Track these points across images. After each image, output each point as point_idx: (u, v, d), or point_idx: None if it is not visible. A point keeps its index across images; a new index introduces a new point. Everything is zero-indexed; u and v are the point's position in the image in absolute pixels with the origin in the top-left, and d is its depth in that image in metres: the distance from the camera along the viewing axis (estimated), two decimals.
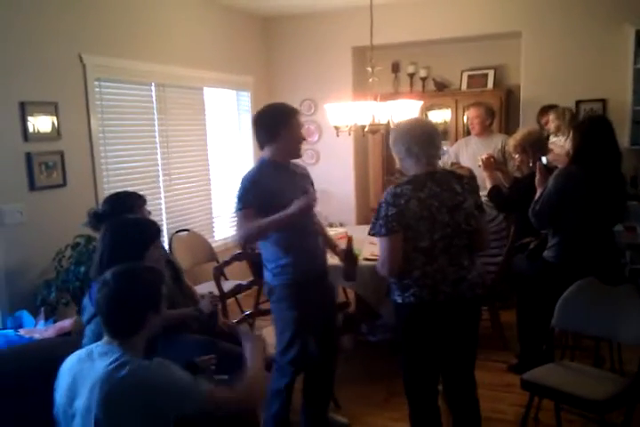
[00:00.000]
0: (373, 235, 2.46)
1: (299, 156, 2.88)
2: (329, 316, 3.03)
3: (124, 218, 2.50)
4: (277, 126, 2.72)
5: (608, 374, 2.92)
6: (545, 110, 4.91)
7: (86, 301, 2.39)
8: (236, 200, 2.74)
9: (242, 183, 2.77)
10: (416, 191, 2.40)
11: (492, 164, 3.89)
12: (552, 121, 4.65)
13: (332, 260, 3.65)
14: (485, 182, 3.82)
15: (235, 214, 2.82)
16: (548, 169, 3.42)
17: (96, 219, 2.70)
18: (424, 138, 2.48)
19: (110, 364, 1.72)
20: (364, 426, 3.19)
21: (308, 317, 2.79)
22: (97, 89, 3.98)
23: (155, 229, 2.41)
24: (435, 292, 2.43)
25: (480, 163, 3.90)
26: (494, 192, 3.76)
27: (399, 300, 2.48)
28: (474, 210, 2.50)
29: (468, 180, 2.57)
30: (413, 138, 2.47)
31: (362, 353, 4.07)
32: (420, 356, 2.55)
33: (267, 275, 2.84)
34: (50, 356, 2.17)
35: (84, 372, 1.77)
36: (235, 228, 2.96)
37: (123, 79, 4.24)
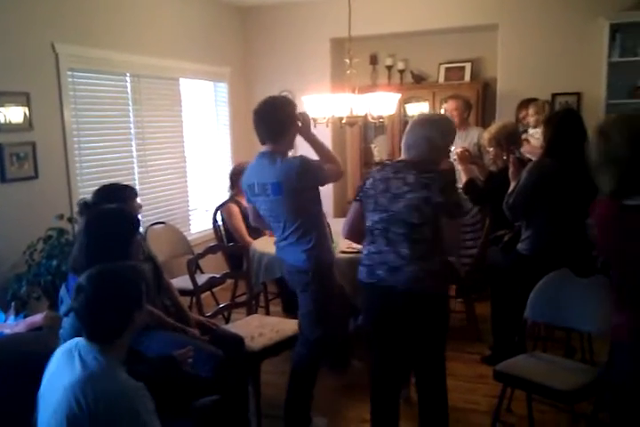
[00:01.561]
0: None
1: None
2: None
3: (108, 208, 2.46)
4: (292, 120, 2.94)
5: (579, 364, 2.96)
6: (524, 104, 4.93)
7: (63, 292, 2.37)
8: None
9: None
10: (375, 172, 2.65)
11: (467, 157, 3.91)
12: (531, 115, 4.67)
13: None
14: (461, 175, 3.84)
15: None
16: (521, 162, 3.44)
17: (86, 209, 2.65)
18: (421, 135, 2.59)
19: (89, 370, 1.67)
20: (340, 420, 3.21)
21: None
22: (70, 79, 3.92)
23: (136, 220, 2.39)
24: (371, 273, 2.57)
25: (455, 156, 3.91)
26: (469, 185, 3.78)
27: None
28: (421, 204, 2.46)
29: (436, 177, 2.49)
30: (412, 133, 2.62)
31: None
32: (371, 333, 2.70)
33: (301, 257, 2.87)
34: (21, 350, 2.16)
35: (63, 367, 1.74)
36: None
37: (97, 69, 4.18)
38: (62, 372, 1.72)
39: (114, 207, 2.49)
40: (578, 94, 5.24)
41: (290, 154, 3.06)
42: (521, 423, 3.01)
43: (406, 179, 2.52)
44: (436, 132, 2.61)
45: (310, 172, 2.82)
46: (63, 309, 2.33)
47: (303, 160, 2.85)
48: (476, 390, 3.46)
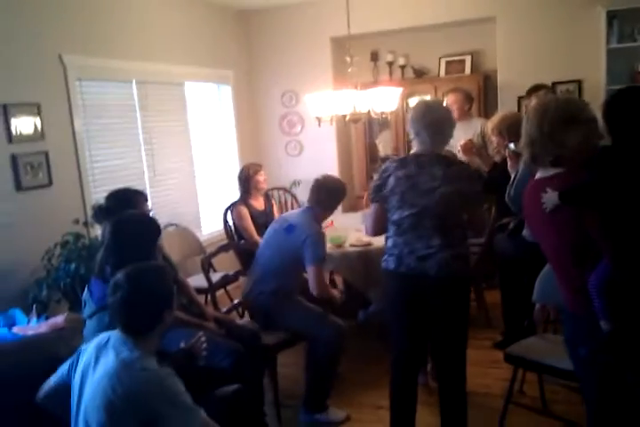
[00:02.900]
0: (370, 201, 2.80)
1: None
2: None
3: (131, 214, 2.56)
4: None
5: None
6: (531, 92, 4.87)
7: (86, 296, 2.45)
8: None
9: None
10: (397, 169, 2.64)
11: (471, 149, 3.97)
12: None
13: None
14: None
15: None
16: (517, 154, 3.48)
17: (100, 213, 2.76)
18: (432, 125, 2.64)
19: (124, 359, 1.78)
20: (357, 407, 3.29)
21: None
22: (78, 89, 4.02)
23: (158, 225, 2.49)
24: (399, 262, 2.63)
25: (459, 148, 3.97)
26: None
27: (381, 264, 2.76)
28: (452, 196, 2.57)
29: (460, 168, 2.66)
30: (423, 124, 2.65)
31: (353, 337, 4.17)
32: (396, 320, 2.76)
33: None
34: (46, 350, 2.25)
35: (97, 360, 1.84)
36: None
37: (103, 78, 4.29)
38: (97, 364, 1.83)
39: (137, 213, 2.60)
40: (578, 82, 5.28)
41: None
42: (534, 404, 3.08)
43: (434, 173, 2.59)
44: (449, 124, 2.71)
45: None
46: (86, 311, 2.42)
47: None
48: (488, 374, 3.53)
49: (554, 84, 5.28)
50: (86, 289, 2.50)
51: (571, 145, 2.00)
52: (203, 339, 2.32)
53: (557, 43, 5.29)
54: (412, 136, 2.74)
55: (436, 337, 2.75)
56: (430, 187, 2.58)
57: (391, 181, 2.63)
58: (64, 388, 1.94)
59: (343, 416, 3.18)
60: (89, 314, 2.38)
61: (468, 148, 3.91)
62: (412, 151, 2.80)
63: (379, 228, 2.78)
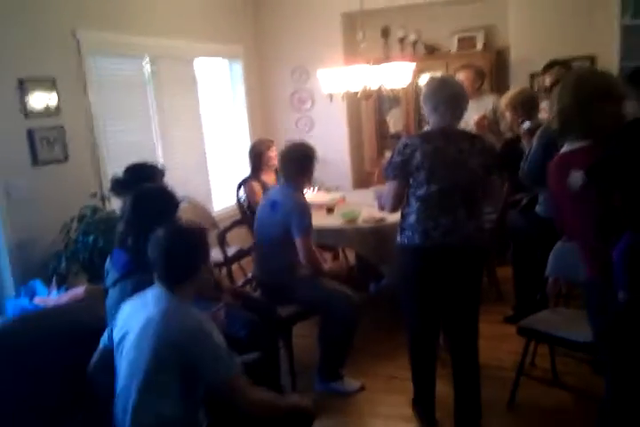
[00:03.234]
0: (386, 178, 2.77)
1: None
2: None
3: (151, 187, 2.61)
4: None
5: None
6: (547, 68, 4.76)
7: (109, 265, 2.50)
8: None
9: None
10: (423, 144, 2.60)
11: (485, 124, 3.98)
12: (549, 83, 4.58)
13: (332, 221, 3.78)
14: None
15: None
16: (532, 132, 3.49)
17: (118, 186, 2.79)
18: (451, 99, 2.65)
19: (164, 309, 1.88)
20: (371, 377, 3.35)
21: None
22: (92, 64, 4.02)
23: (176, 198, 2.54)
24: (424, 237, 2.62)
25: (473, 124, 3.97)
26: None
27: (397, 240, 2.75)
28: (478, 169, 2.63)
29: (481, 141, 2.71)
30: (441, 98, 2.64)
31: (366, 310, 4.23)
32: (414, 296, 2.77)
33: None
34: (70, 319, 2.31)
35: (138, 313, 1.93)
36: None
37: (116, 53, 4.29)
38: (137, 317, 1.92)
39: (157, 187, 2.65)
40: (592, 58, 5.24)
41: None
42: (545, 376, 3.13)
43: (462, 147, 2.62)
44: (466, 99, 2.72)
45: None
46: (109, 280, 2.47)
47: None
48: (499, 348, 3.58)
49: (566, 60, 5.24)
50: (108, 259, 2.54)
51: (601, 119, 2.00)
52: (223, 310, 2.38)
53: (571, 18, 5.23)
54: (427, 112, 2.72)
55: (452, 309, 2.78)
56: (459, 160, 2.60)
57: (417, 156, 2.59)
58: (109, 353, 2.03)
59: (358, 386, 3.24)
60: (112, 282, 2.43)
61: (482, 124, 3.93)
62: (429, 127, 2.79)
63: (398, 204, 2.76)
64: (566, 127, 2.08)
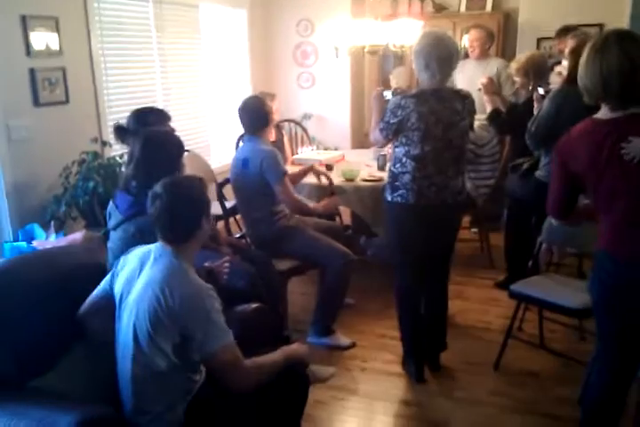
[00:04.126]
0: (381, 138, 2.84)
1: None
2: None
3: (161, 130, 2.59)
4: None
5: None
6: (563, 32, 4.52)
7: (111, 208, 2.50)
8: None
9: None
10: (418, 105, 2.65)
11: (492, 87, 3.93)
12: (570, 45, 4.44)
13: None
14: (485, 106, 3.88)
15: None
16: (544, 98, 3.46)
17: (122, 132, 2.76)
18: (444, 57, 2.66)
19: (167, 266, 1.86)
20: (361, 335, 3.42)
21: None
22: (95, 4, 3.92)
23: (182, 142, 2.52)
24: (419, 196, 2.73)
25: (480, 86, 3.93)
26: (495, 115, 3.83)
27: (389, 198, 2.84)
28: (467, 128, 2.79)
29: (472, 102, 2.80)
30: (435, 55, 2.65)
31: (356, 270, 4.29)
32: (406, 248, 2.88)
33: None
34: (72, 262, 2.30)
35: (139, 270, 1.92)
36: None
37: None
38: (140, 274, 1.90)
39: (165, 130, 2.62)
40: (600, 26, 5.17)
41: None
42: (532, 340, 3.21)
43: (455, 107, 2.70)
44: (457, 58, 2.74)
45: None
46: (112, 223, 2.47)
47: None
48: (488, 311, 3.66)
49: (576, 26, 5.17)
50: (111, 202, 2.54)
51: None
52: (227, 262, 2.40)
53: None
54: (417, 68, 2.73)
55: (435, 256, 2.94)
56: (454, 120, 2.70)
57: (413, 117, 2.64)
58: (106, 302, 2.00)
59: (349, 342, 3.31)
60: (114, 225, 2.44)
61: (489, 86, 3.88)
62: (422, 86, 2.80)
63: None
64: (609, 90, 1.90)
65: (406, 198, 2.75)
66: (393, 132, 2.73)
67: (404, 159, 2.74)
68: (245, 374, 1.89)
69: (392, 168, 2.82)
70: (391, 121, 2.70)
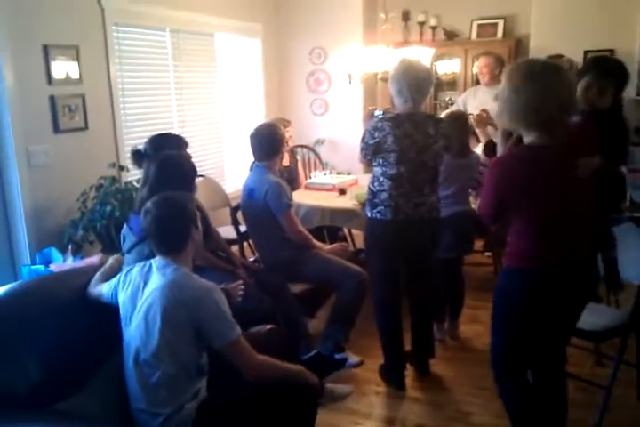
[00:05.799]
0: (362, 158, 3.01)
1: None
2: None
3: (176, 154, 2.68)
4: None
5: (605, 307, 3.09)
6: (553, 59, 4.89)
7: (126, 231, 2.55)
8: None
9: None
10: (393, 128, 2.83)
11: (484, 120, 3.92)
12: None
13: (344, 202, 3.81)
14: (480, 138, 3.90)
15: None
16: None
17: (139, 156, 2.82)
18: (414, 83, 2.84)
19: (172, 272, 1.95)
20: (375, 359, 3.39)
21: None
22: (115, 34, 4.04)
23: (195, 166, 2.63)
24: (396, 212, 2.91)
25: (473, 119, 3.92)
26: (489, 147, 3.84)
27: (369, 214, 3.02)
28: (440, 150, 2.94)
29: (444, 124, 2.97)
30: (405, 83, 2.84)
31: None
32: (384, 262, 3.03)
33: None
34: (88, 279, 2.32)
35: (144, 282, 1.99)
36: None
37: (139, 24, 4.28)
38: (145, 286, 1.97)
39: (180, 154, 2.68)
40: (611, 51, 5.23)
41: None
42: None
43: (428, 132, 2.87)
44: (429, 84, 2.92)
45: None
46: (126, 245, 2.52)
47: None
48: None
49: (586, 52, 5.23)
50: (125, 226, 2.59)
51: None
52: (241, 287, 2.43)
53: (593, 10, 5.22)
54: (393, 93, 2.93)
55: (414, 274, 3.09)
56: (427, 144, 2.86)
57: (389, 139, 2.82)
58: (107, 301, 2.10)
59: (357, 360, 3.29)
60: (129, 248, 2.48)
61: (481, 119, 3.86)
62: (397, 110, 2.98)
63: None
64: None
65: (384, 214, 2.92)
66: (371, 152, 2.91)
67: (381, 178, 2.92)
68: (260, 361, 2.03)
69: (371, 186, 3.00)
70: (369, 142, 2.89)
